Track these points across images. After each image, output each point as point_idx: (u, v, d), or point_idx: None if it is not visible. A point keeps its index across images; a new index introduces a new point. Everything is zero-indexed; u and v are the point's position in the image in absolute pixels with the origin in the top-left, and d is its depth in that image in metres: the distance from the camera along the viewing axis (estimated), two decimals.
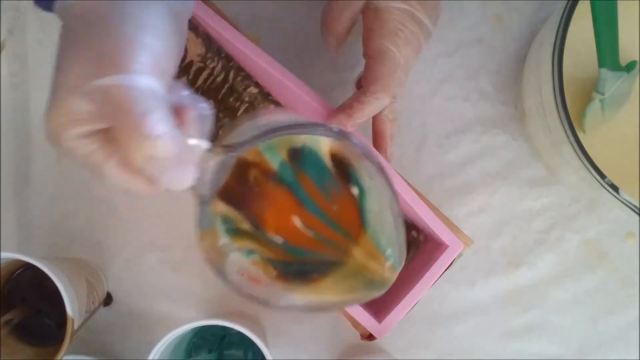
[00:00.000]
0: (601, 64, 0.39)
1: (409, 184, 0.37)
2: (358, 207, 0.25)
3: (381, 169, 0.24)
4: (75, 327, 0.39)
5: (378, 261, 0.25)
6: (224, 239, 0.26)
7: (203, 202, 0.23)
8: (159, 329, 0.46)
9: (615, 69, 0.39)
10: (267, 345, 0.39)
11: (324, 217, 0.24)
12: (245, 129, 0.24)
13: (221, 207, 0.25)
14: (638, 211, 0.36)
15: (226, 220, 0.25)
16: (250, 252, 0.25)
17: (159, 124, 0.22)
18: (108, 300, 0.46)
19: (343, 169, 0.25)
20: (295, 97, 0.37)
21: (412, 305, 0.36)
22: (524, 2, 0.47)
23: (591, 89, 0.41)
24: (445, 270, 0.37)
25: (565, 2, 0.36)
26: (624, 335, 0.46)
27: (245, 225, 0.25)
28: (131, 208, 0.47)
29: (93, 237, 0.47)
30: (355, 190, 0.25)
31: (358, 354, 0.44)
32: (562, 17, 0.36)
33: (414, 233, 0.42)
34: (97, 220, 0.47)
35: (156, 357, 0.38)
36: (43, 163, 0.47)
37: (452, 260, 0.37)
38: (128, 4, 0.23)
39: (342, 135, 0.24)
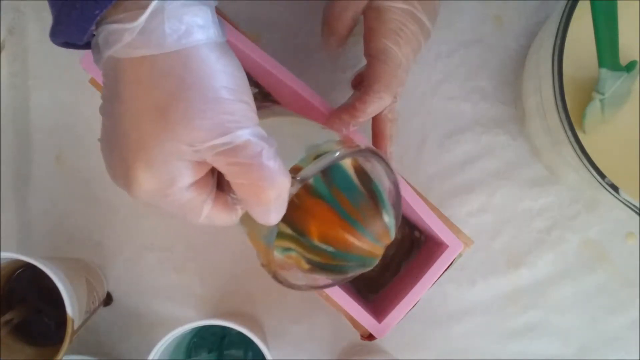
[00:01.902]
0: (601, 64, 0.39)
1: (409, 184, 0.37)
2: (380, 211, 0.30)
3: (392, 170, 0.29)
4: (75, 327, 0.39)
5: (382, 248, 0.30)
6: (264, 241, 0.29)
7: (276, 224, 0.26)
8: (159, 329, 0.46)
9: (615, 69, 0.39)
10: (267, 345, 0.39)
11: (355, 223, 0.29)
12: (292, 150, 0.27)
13: None
14: (638, 211, 0.36)
15: None
16: (287, 249, 0.29)
17: (282, 164, 0.24)
18: (108, 300, 0.46)
19: (364, 178, 0.30)
20: (296, 97, 0.37)
21: (412, 305, 0.36)
22: (524, 2, 0.47)
23: (591, 89, 0.41)
24: (445, 270, 0.37)
25: (565, 2, 0.36)
26: (624, 335, 0.46)
27: (286, 230, 0.29)
28: (131, 208, 0.47)
29: (93, 237, 0.47)
30: (376, 198, 0.30)
31: (358, 354, 0.44)
32: (562, 17, 0.36)
33: (416, 233, 0.42)
34: (97, 220, 0.47)
35: (156, 357, 0.38)
36: (43, 163, 0.47)
37: (452, 260, 0.37)
38: (195, 50, 0.24)
39: (367, 152, 0.28)
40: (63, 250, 0.47)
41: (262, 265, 0.28)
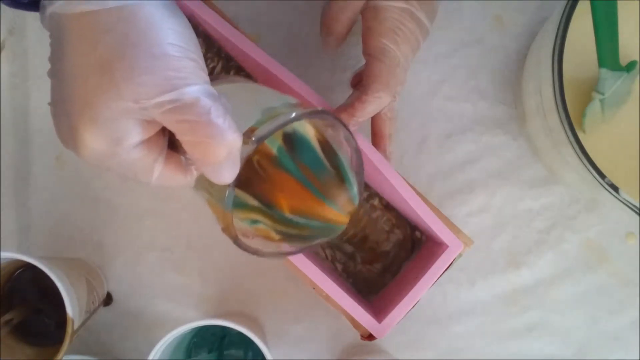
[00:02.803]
0: (601, 64, 0.39)
1: (409, 184, 0.37)
2: (344, 183, 0.31)
3: (352, 136, 0.29)
4: (75, 327, 0.39)
5: (348, 216, 0.32)
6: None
7: (233, 186, 0.26)
8: (159, 329, 0.46)
9: (615, 69, 0.39)
10: (267, 345, 0.39)
11: (321, 195, 0.30)
12: (248, 113, 0.27)
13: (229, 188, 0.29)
14: (638, 211, 0.36)
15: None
16: (255, 221, 0.30)
17: (232, 122, 0.24)
18: (108, 300, 0.46)
19: (329, 151, 0.30)
20: (296, 96, 0.37)
21: (412, 305, 0.36)
22: (524, 2, 0.47)
23: (591, 89, 0.41)
24: (445, 270, 0.37)
25: (565, 2, 0.36)
26: (624, 335, 0.46)
27: (253, 202, 0.30)
28: (131, 208, 0.47)
29: (93, 237, 0.47)
30: (340, 171, 0.30)
31: (358, 354, 0.44)
32: (562, 17, 0.36)
33: (417, 234, 0.42)
34: (97, 220, 0.47)
35: (156, 357, 0.38)
36: (43, 163, 0.47)
37: (452, 260, 0.37)
38: (142, 9, 0.23)
39: (323, 114, 0.28)
40: (63, 250, 0.47)
41: (222, 230, 0.28)
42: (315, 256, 0.42)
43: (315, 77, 0.46)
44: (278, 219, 0.30)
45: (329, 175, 0.31)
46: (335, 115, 0.29)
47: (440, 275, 0.37)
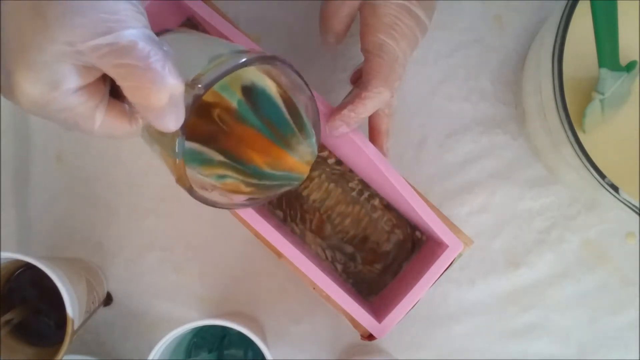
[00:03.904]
0: (601, 64, 0.39)
1: (409, 184, 0.37)
2: (305, 135, 0.31)
3: (305, 84, 0.30)
4: (75, 327, 0.39)
5: (309, 165, 0.32)
6: (194, 170, 0.30)
7: (182, 134, 0.26)
8: (159, 329, 0.46)
9: (615, 69, 0.39)
10: (267, 345, 0.39)
11: (285, 147, 0.31)
12: (195, 61, 0.27)
13: (192, 144, 0.30)
14: (638, 211, 0.36)
15: (195, 153, 0.30)
16: (222, 176, 0.31)
17: (173, 66, 0.24)
18: (108, 300, 0.46)
19: (290, 106, 0.31)
20: None
21: (412, 305, 0.36)
22: (524, 2, 0.47)
23: (591, 89, 0.41)
24: (445, 270, 0.37)
25: (565, 2, 0.36)
26: (624, 335, 0.46)
27: (218, 157, 0.30)
28: (131, 208, 0.47)
29: (93, 237, 0.47)
30: (301, 123, 0.31)
31: (358, 354, 0.44)
32: (562, 17, 0.36)
33: (417, 234, 0.42)
34: (97, 220, 0.47)
35: (156, 357, 0.38)
36: (43, 163, 0.47)
37: (452, 260, 0.37)
38: None
39: (271, 60, 0.28)
40: (63, 250, 0.47)
41: (176, 181, 0.28)
42: (315, 256, 0.42)
43: (316, 77, 0.46)
44: (244, 171, 0.31)
45: (289, 126, 0.31)
46: (286, 61, 0.29)
47: (440, 275, 0.37)
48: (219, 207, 0.31)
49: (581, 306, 0.46)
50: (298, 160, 0.32)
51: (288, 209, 0.43)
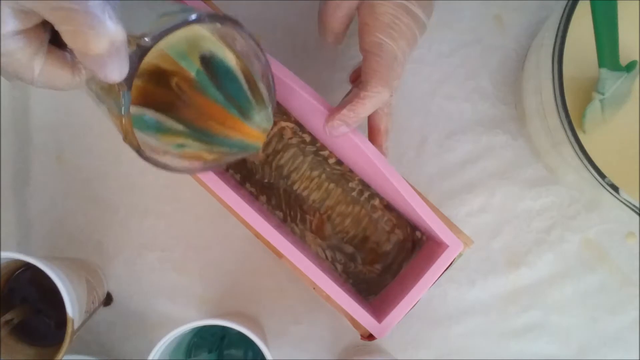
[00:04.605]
0: (601, 64, 0.39)
1: (409, 184, 0.37)
2: (263, 106, 0.32)
3: (260, 50, 0.31)
4: (75, 327, 0.39)
5: (265, 133, 0.33)
6: (152, 138, 0.30)
7: (127, 89, 0.26)
8: (159, 329, 0.46)
9: (615, 69, 0.39)
10: (267, 345, 0.39)
11: (243, 117, 0.31)
12: (144, 17, 0.27)
13: (150, 112, 0.30)
14: (638, 211, 0.36)
15: (153, 121, 0.30)
16: (181, 145, 0.31)
17: (113, 12, 0.23)
18: (108, 300, 0.46)
19: (249, 78, 0.31)
20: (296, 95, 0.37)
21: (412, 305, 0.36)
22: (524, 2, 0.47)
23: (591, 89, 0.41)
24: (445, 270, 0.37)
25: (565, 2, 0.36)
26: (624, 335, 0.46)
27: (177, 126, 0.30)
28: (131, 208, 0.47)
29: (93, 237, 0.47)
30: (260, 96, 0.32)
31: (358, 354, 0.44)
32: (562, 17, 0.36)
33: (417, 234, 0.42)
34: (97, 220, 0.47)
35: (156, 357, 0.38)
36: (43, 163, 0.47)
37: (452, 260, 0.37)
38: None
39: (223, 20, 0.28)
40: (63, 250, 0.47)
41: (124, 140, 0.28)
42: (315, 256, 0.42)
43: (316, 77, 0.46)
44: (203, 140, 0.31)
45: (247, 97, 0.32)
46: (238, 22, 0.29)
47: (440, 275, 0.37)
48: (172, 171, 0.31)
49: (581, 306, 0.46)
50: (255, 129, 0.32)
51: (288, 209, 0.43)
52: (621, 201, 0.36)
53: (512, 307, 0.47)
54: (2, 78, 0.47)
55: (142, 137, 0.29)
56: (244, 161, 0.43)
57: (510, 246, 0.47)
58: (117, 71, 0.25)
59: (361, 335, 0.38)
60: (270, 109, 0.33)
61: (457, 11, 0.47)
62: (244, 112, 0.32)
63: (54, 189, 0.47)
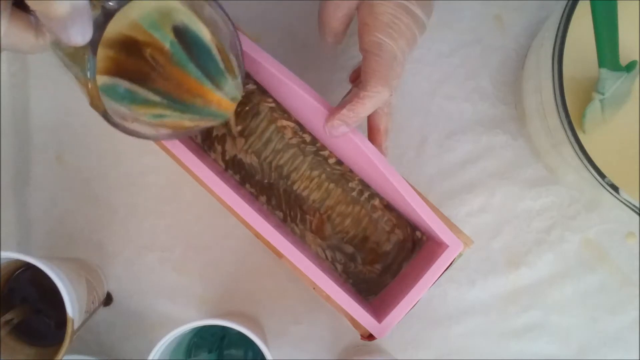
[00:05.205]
0: (601, 64, 0.39)
1: (409, 184, 0.37)
2: (234, 78, 0.33)
3: (228, 18, 0.31)
4: (75, 327, 0.39)
5: (235, 102, 0.34)
6: (125, 108, 0.30)
7: (92, 53, 0.26)
8: (159, 329, 0.46)
9: (615, 69, 0.39)
10: (267, 345, 0.39)
11: (211, 85, 0.32)
12: None
13: (125, 83, 0.30)
14: (638, 211, 0.36)
15: (127, 92, 0.30)
16: (159, 115, 0.32)
17: None
18: (108, 300, 0.46)
19: (223, 54, 0.32)
20: (296, 95, 0.37)
21: (412, 305, 0.36)
22: (524, 2, 0.47)
23: (591, 89, 0.41)
24: (446, 270, 0.37)
25: (565, 2, 0.36)
26: (624, 335, 0.46)
27: (154, 97, 0.31)
28: (131, 208, 0.47)
29: (93, 237, 0.47)
30: (233, 68, 0.33)
31: (358, 354, 0.44)
32: (562, 17, 0.36)
33: (417, 234, 0.42)
34: (97, 220, 0.47)
35: (156, 357, 0.38)
36: (43, 163, 0.47)
37: (452, 260, 0.37)
38: None
39: None
40: (63, 250, 0.47)
41: (90, 105, 0.28)
42: (315, 256, 0.42)
43: (316, 77, 0.47)
44: (179, 110, 0.32)
45: (219, 66, 0.32)
46: None
47: (440, 275, 0.37)
48: (140, 137, 0.31)
49: (581, 306, 0.46)
50: (225, 98, 0.33)
51: (288, 209, 0.43)
52: (621, 201, 0.36)
53: (512, 307, 0.47)
54: (2, 78, 0.47)
55: (114, 106, 0.29)
56: (243, 162, 0.43)
57: (510, 246, 0.47)
58: (80, 34, 0.25)
59: (361, 335, 0.38)
60: (240, 79, 0.33)
61: (457, 11, 0.47)
62: (216, 83, 0.32)
63: (54, 189, 0.47)
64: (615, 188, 0.36)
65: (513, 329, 0.46)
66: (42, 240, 0.47)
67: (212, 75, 0.32)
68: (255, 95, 0.43)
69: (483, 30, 0.47)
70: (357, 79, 0.40)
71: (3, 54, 0.47)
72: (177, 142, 0.37)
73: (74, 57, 0.27)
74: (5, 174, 0.47)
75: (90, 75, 0.27)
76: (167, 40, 0.30)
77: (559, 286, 0.47)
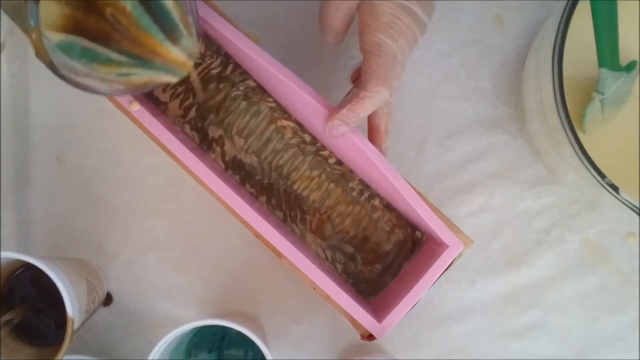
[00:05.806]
0: (601, 64, 0.39)
1: (409, 184, 0.37)
2: (191, 37, 0.33)
3: None
4: (75, 327, 0.39)
5: (192, 59, 0.34)
6: (90, 66, 0.31)
7: (35, 1, 0.26)
8: (159, 329, 0.46)
9: (615, 69, 0.39)
10: (267, 345, 0.39)
11: (172, 45, 0.33)
12: None
13: (84, 41, 0.30)
14: (638, 211, 0.36)
15: (89, 50, 0.31)
16: (125, 74, 0.32)
17: None
18: (108, 300, 0.46)
19: (182, 16, 0.32)
20: (296, 95, 0.37)
21: (412, 305, 0.36)
22: (524, 2, 0.47)
23: (591, 89, 0.41)
24: (445, 270, 0.37)
25: (565, 2, 0.36)
26: (624, 335, 0.46)
27: (122, 59, 0.31)
28: (131, 208, 0.47)
29: (93, 237, 0.47)
30: (190, 28, 0.33)
31: (358, 354, 0.44)
32: (562, 17, 0.36)
33: (417, 234, 0.42)
34: (97, 220, 0.47)
35: (156, 357, 0.38)
36: (43, 163, 0.47)
37: (452, 260, 0.37)
38: None
39: None
40: (63, 250, 0.47)
41: (36, 55, 0.28)
42: (315, 256, 0.42)
43: (316, 77, 0.46)
44: (144, 66, 0.32)
45: (179, 27, 0.33)
46: None
47: (440, 275, 0.37)
48: (92, 92, 0.31)
49: (581, 306, 0.46)
50: (182, 56, 0.33)
51: (288, 209, 0.43)
52: (621, 201, 0.36)
53: (512, 307, 0.47)
54: (2, 78, 0.47)
55: (67, 61, 0.29)
56: (243, 162, 0.43)
57: (510, 246, 0.47)
58: None
59: (361, 335, 0.38)
60: (195, 37, 0.34)
61: (457, 11, 0.47)
62: (174, 40, 0.33)
63: (54, 189, 0.47)
64: (615, 188, 0.36)
65: (513, 329, 0.46)
66: (42, 240, 0.47)
67: (170, 33, 0.32)
68: (255, 91, 0.43)
69: (483, 30, 0.47)
70: (358, 79, 0.40)
71: (3, 54, 0.47)
72: (177, 142, 0.37)
73: (18, 8, 0.27)
74: (5, 174, 0.47)
75: (33, 24, 0.27)
76: (127, 2, 0.30)
77: (559, 286, 0.47)
